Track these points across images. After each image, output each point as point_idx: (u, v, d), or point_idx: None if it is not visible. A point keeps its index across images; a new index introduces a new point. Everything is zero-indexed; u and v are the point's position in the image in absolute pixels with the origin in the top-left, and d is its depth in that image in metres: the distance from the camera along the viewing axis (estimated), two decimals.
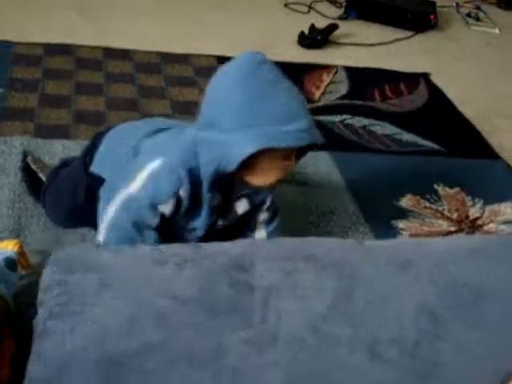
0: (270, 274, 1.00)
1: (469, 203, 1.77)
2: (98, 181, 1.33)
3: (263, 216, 1.40)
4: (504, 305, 0.99)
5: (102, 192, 1.30)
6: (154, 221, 1.24)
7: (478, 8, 3.21)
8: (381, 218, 1.65)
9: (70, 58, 2.16)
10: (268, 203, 1.39)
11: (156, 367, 0.89)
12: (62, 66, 2.11)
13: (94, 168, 1.37)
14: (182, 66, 2.22)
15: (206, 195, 1.24)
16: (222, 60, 2.23)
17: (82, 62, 2.15)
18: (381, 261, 1.05)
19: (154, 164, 1.20)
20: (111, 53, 2.24)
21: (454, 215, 1.72)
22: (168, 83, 2.10)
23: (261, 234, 1.42)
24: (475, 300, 0.98)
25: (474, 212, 1.74)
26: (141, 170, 1.22)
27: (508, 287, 1.02)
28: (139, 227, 1.24)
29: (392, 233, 1.61)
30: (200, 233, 1.31)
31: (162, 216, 1.25)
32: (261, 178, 1.23)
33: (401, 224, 1.65)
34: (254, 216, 1.40)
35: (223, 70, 1.24)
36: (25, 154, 1.65)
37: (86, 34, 2.35)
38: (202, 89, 2.02)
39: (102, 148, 1.38)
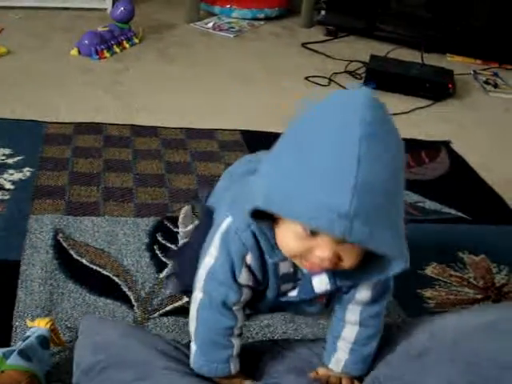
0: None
1: (494, 270, 1.77)
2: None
3: (363, 294, 1.11)
4: None
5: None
6: (239, 297, 1.08)
7: (496, 75, 3.27)
8: (406, 287, 1.66)
9: (99, 136, 2.23)
10: (373, 280, 1.07)
11: None
12: (91, 144, 2.17)
13: (209, 202, 1.27)
14: (207, 140, 2.27)
15: (268, 261, 1.05)
16: (246, 134, 2.32)
17: (110, 140, 2.21)
18: (394, 357, 1.07)
19: (223, 226, 1.06)
20: (138, 130, 2.30)
21: (480, 283, 1.72)
22: (194, 158, 2.15)
23: (354, 315, 1.14)
24: (499, 373, 0.98)
25: (499, 279, 1.74)
26: (215, 232, 1.08)
27: None
28: (227, 306, 1.09)
29: (418, 302, 1.61)
30: (270, 300, 1.14)
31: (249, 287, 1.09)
32: (280, 242, 0.98)
33: (427, 293, 1.65)
34: (350, 293, 1.13)
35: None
36: (56, 232, 1.70)
37: (113, 112, 2.42)
38: (227, 163, 2.09)
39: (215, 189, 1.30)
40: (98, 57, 2.92)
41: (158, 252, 1.67)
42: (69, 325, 1.40)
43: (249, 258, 1.04)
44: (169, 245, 1.69)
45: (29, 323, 1.29)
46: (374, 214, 0.85)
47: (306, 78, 2.95)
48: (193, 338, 1.12)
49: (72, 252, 1.63)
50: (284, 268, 1.07)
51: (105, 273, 1.58)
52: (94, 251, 1.65)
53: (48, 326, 1.26)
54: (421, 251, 1.81)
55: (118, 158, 2.11)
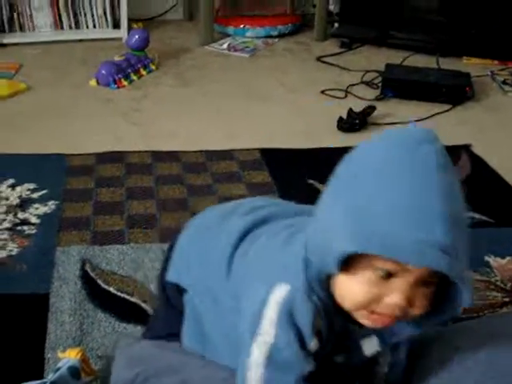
0: None
1: None
2: (176, 291, 1.14)
3: (382, 369, 1.08)
4: None
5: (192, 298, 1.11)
6: (311, 365, 0.95)
7: None
8: None
9: (121, 165, 2.26)
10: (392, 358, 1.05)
11: None
12: (114, 173, 2.20)
13: (171, 276, 1.14)
14: (227, 162, 2.29)
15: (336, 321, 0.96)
16: (265, 152, 2.34)
17: (131, 168, 2.24)
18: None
19: (277, 295, 0.92)
20: (159, 156, 2.33)
21: (508, 285, 1.71)
22: (215, 180, 2.17)
23: None
24: None
25: None
26: (262, 310, 0.92)
27: None
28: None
29: None
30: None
31: None
32: (345, 295, 0.89)
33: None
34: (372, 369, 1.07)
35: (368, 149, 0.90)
36: (83, 262, 1.72)
37: (134, 140, 2.46)
38: (247, 182, 2.12)
39: (178, 250, 1.16)
40: (116, 86, 2.96)
41: None
42: (100, 354, 1.42)
43: (319, 323, 0.93)
44: None
45: (60, 354, 1.31)
46: (461, 247, 0.83)
47: (323, 92, 2.96)
48: None
49: (100, 281, 1.66)
50: (335, 324, 0.97)
51: (132, 300, 1.60)
52: (120, 279, 1.67)
53: (79, 356, 1.28)
54: None
55: (141, 185, 2.13)
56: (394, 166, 0.85)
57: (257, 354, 0.92)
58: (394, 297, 0.85)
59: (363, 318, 0.89)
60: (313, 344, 0.93)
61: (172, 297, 1.17)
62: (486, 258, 1.81)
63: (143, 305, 1.59)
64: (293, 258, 0.93)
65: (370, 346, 1.00)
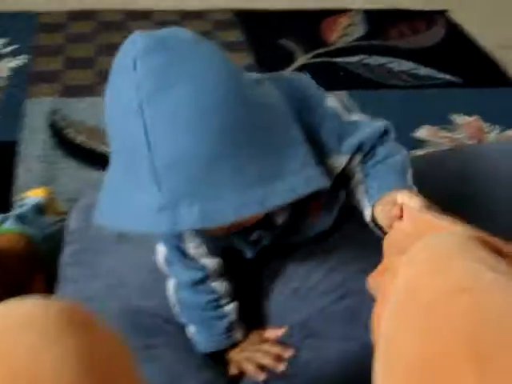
0: None
1: (486, 129, 1.79)
2: None
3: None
4: None
5: None
6: (202, 273, 0.93)
7: None
8: None
9: (93, 22, 2.23)
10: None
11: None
12: (84, 30, 2.18)
13: None
14: (201, 21, 2.27)
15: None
16: (239, 13, 2.30)
17: (104, 25, 2.22)
18: None
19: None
20: (132, 14, 2.30)
21: (471, 142, 1.74)
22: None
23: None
24: None
25: (491, 138, 1.76)
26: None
27: None
28: (197, 284, 0.94)
29: None
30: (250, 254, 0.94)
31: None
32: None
33: (418, 153, 1.68)
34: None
35: None
36: (53, 113, 1.73)
37: None
38: (221, 42, 2.09)
39: None
40: None
41: None
42: (67, 197, 1.45)
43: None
44: None
45: (27, 193, 1.34)
46: (197, 187, 0.67)
47: None
48: (183, 320, 0.97)
49: (68, 131, 1.66)
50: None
51: (101, 148, 1.62)
52: (89, 129, 1.68)
53: (44, 194, 1.31)
54: (413, 115, 1.84)
55: (111, 41, 2.10)
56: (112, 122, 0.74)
57: (158, 258, 0.95)
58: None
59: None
60: (192, 248, 0.91)
61: None
62: (454, 116, 1.83)
63: None
64: None
65: (281, 216, 0.89)
